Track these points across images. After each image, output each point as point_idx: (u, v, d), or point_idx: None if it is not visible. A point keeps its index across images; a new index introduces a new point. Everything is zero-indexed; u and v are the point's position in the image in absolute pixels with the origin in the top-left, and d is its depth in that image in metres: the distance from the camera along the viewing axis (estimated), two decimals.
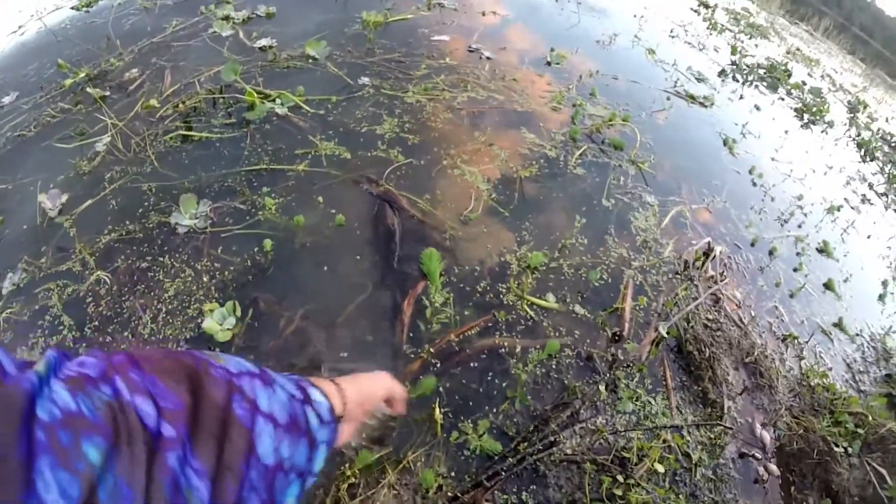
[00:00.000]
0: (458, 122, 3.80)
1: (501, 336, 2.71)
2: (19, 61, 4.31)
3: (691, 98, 5.35)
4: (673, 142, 4.54)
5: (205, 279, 2.70)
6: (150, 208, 2.99)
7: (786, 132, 5.96)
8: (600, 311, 2.96)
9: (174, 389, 0.67)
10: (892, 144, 7.89)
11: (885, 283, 4.60)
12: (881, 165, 6.92)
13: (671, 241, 3.51)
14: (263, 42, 4.26)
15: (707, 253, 3.54)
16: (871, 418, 2.96)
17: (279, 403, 0.80)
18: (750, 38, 8.72)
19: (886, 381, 3.66)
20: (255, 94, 3.56)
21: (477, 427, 2.36)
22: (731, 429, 2.74)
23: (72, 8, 4.90)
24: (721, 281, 3.41)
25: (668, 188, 3.97)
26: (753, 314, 3.41)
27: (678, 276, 3.32)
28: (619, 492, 2.32)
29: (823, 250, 4.41)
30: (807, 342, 3.48)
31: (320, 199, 3.08)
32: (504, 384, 2.54)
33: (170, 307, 2.60)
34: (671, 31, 7.03)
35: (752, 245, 3.93)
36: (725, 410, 2.79)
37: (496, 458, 2.31)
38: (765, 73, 7.26)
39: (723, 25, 8.46)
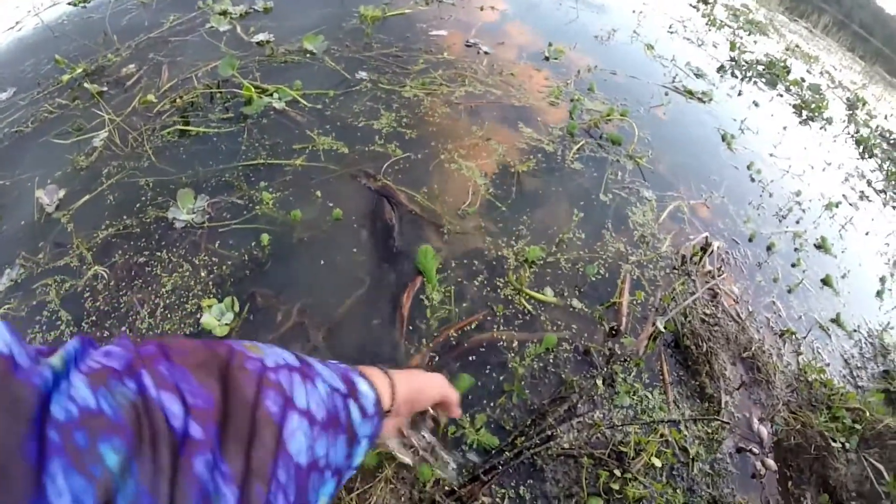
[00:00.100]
0: (456, 116, 3.80)
1: (499, 330, 2.71)
2: (16, 57, 4.30)
3: (690, 93, 5.35)
4: (671, 137, 4.54)
5: (202, 274, 2.69)
6: (147, 203, 2.98)
7: (784, 128, 5.96)
8: (598, 305, 2.96)
9: (205, 385, 0.63)
10: (891, 141, 7.89)
11: (882, 280, 4.61)
12: (879, 162, 6.92)
13: (669, 236, 3.51)
14: (261, 37, 4.24)
15: (705, 248, 3.54)
16: (868, 414, 2.97)
17: (317, 399, 0.76)
18: (749, 35, 8.73)
19: (884, 377, 3.66)
20: (253, 89, 3.55)
21: (474, 421, 2.36)
22: (728, 423, 2.74)
23: (69, 3, 4.88)
24: (718, 276, 3.41)
25: (665, 183, 3.97)
26: (751, 309, 3.41)
27: (675, 271, 3.32)
28: (616, 486, 2.32)
29: (821, 246, 4.41)
30: (804, 338, 3.48)
31: (318, 193, 3.08)
32: (501, 378, 2.54)
33: (167, 302, 2.59)
34: (670, 27, 7.04)
35: (750, 240, 3.93)
36: (723, 405, 2.79)
37: (493, 452, 2.31)
38: (764, 70, 7.26)
39: (722, 21, 8.46)
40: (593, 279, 3.07)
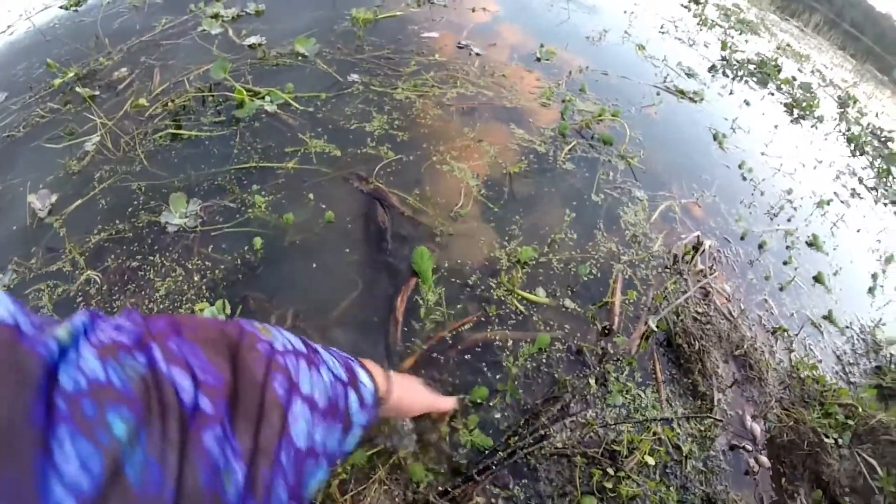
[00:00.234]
0: (448, 118, 3.80)
1: (492, 330, 2.71)
2: (8, 61, 4.30)
3: (681, 93, 5.36)
4: (663, 137, 4.55)
5: (195, 278, 2.70)
6: (139, 207, 2.98)
7: (776, 127, 5.98)
8: (590, 305, 2.97)
9: (215, 362, 0.65)
10: (882, 139, 7.92)
11: (874, 277, 4.63)
12: (871, 160, 6.95)
13: (660, 235, 3.53)
14: (253, 40, 4.25)
15: (696, 247, 3.55)
16: (861, 410, 2.98)
17: (321, 387, 0.79)
18: (740, 34, 8.75)
19: (876, 373, 3.68)
20: (245, 92, 3.55)
21: (467, 421, 2.37)
22: (721, 421, 2.75)
23: (60, 7, 4.88)
24: (710, 274, 3.42)
25: (657, 183, 3.98)
26: (743, 307, 3.43)
27: (667, 271, 3.33)
28: (609, 484, 2.33)
29: (813, 244, 4.43)
30: (797, 335, 3.49)
31: (310, 196, 3.08)
32: (494, 378, 2.55)
33: (161, 306, 2.59)
34: (661, 27, 7.05)
35: (742, 239, 3.95)
36: (715, 403, 2.81)
37: (487, 452, 2.32)
38: (755, 69, 7.28)
39: (713, 21, 8.48)
40: (585, 279, 3.08)
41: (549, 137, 3.93)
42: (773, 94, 6.96)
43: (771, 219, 4.40)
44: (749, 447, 2.77)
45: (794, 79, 7.73)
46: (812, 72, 9.30)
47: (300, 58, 4.09)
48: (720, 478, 2.60)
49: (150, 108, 3.56)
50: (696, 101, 5.39)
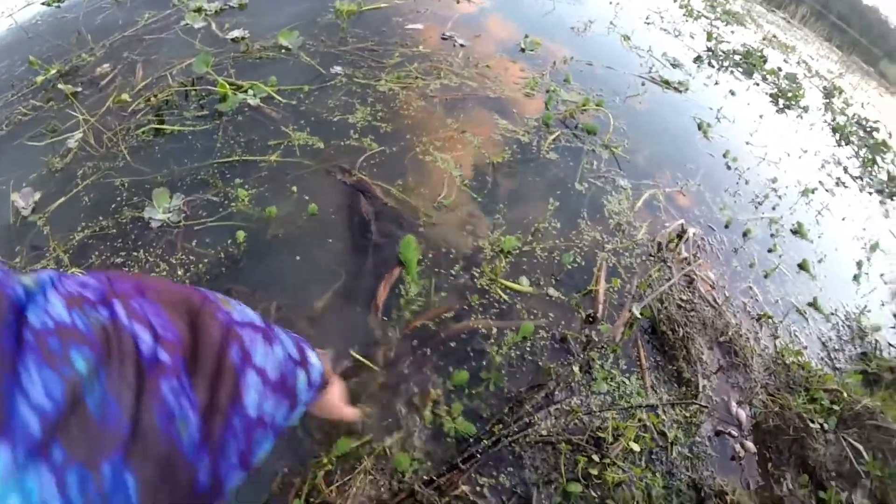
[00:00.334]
0: (431, 109, 3.80)
1: (476, 319, 2.72)
2: None
3: (666, 83, 5.38)
4: (647, 126, 4.57)
5: (179, 272, 2.69)
6: (123, 203, 2.97)
7: (761, 117, 6.02)
8: (574, 293, 2.98)
9: (175, 323, 0.68)
10: (868, 129, 7.97)
11: (859, 264, 4.67)
12: (856, 149, 7.01)
13: (644, 223, 3.54)
14: (236, 33, 4.22)
15: (680, 235, 3.57)
16: (846, 395, 3.01)
17: (274, 361, 0.81)
18: (726, 25, 8.77)
19: (862, 359, 3.71)
20: (228, 86, 3.54)
21: (451, 410, 2.37)
22: (706, 407, 2.77)
23: (42, 3, 4.84)
24: (694, 262, 3.44)
25: (641, 172, 4.00)
26: (727, 294, 3.45)
27: (652, 258, 3.35)
28: (594, 471, 2.35)
29: (798, 232, 4.46)
30: (781, 321, 3.52)
31: (293, 189, 3.08)
32: (478, 367, 2.56)
33: None
34: (647, 18, 7.06)
35: (727, 227, 3.97)
36: (700, 389, 2.82)
37: (471, 440, 2.32)
38: (740, 59, 7.31)
39: (699, 12, 8.49)
40: (569, 267, 3.09)
41: (532, 127, 3.93)
42: (758, 85, 6.98)
43: (755, 207, 4.43)
44: (735, 433, 2.79)
45: (780, 69, 7.76)
46: (798, 63, 9.34)
47: (283, 51, 4.08)
48: (706, 463, 2.61)
49: (133, 104, 3.54)
50: (681, 92, 5.41)
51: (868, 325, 3.99)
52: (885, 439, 2.80)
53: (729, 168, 4.70)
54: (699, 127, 4.97)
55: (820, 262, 4.30)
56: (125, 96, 3.57)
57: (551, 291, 2.94)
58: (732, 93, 6.20)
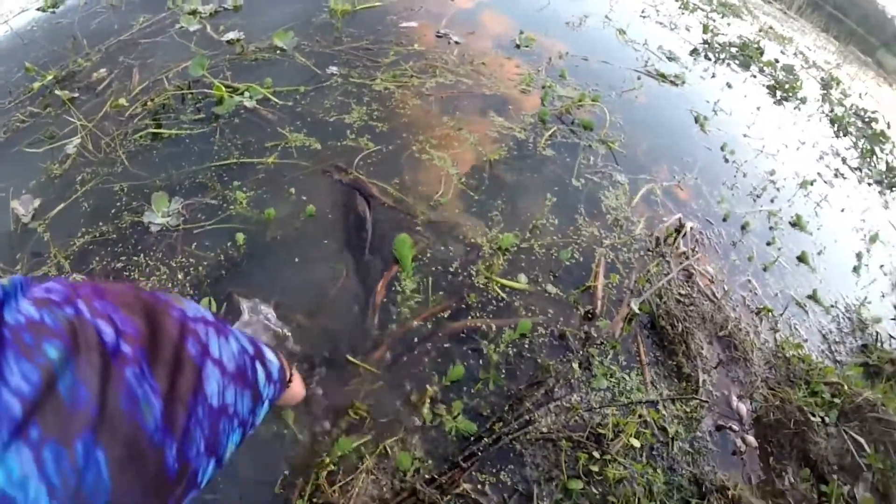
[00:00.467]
0: (427, 107, 3.80)
1: (474, 317, 2.73)
2: None
3: (662, 77, 5.36)
4: (643, 120, 4.56)
5: (179, 276, 2.70)
6: (122, 208, 2.97)
7: (758, 109, 6.00)
8: (572, 289, 2.99)
9: (132, 319, 0.74)
10: (866, 119, 7.95)
11: (859, 256, 4.66)
12: (854, 140, 6.97)
13: (642, 218, 3.55)
14: (231, 35, 4.22)
15: (678, 229, 3.57)
16: (847, 388, 3.01)
17: (229, 353, 0.88)
18: (722, 17, 8.74)
19: (862, 351, 3.71)
20: (224, 88, 3.53)
21: (451, 409, 2.38)
22: (706, 402, 2.77)
23: (38, 9, 4.83)
24: (693, 256, 3.44)
25: (638, 166, 4.00)
26: (726, 288, 3.45)
27: (650, 253, 3.35)
28: (595, 468, 2.35)
29: (797, 224, 4.45)
30: (781, 315, 3.52)
31: (291, 190, 3.08)
32: (477, 365, 2.57)
33: None
34: (642, 11, 7.03)
35: (725, 220, 3.97)
36: (700, 384, 2.83)
37: (472, 438, 2.33)
38: (737, 52, 7.28)
39: (695, 5, 8.46)
40: (567, 264, 3.09)
41: (529, 124, 3.93)
42: (755, 77, 6.96)
43: (754, 200, 4.43)
44: (736, 427, 2.79)
45: (777, 61, 7.74)
46: (795, 54, 9.30)
47: (278, 52, 4.08)
48: (707, 458, 2.62)
49: (130, 108, 3.54)
50: (677, 85, 5.39)
51: (868, 317, 3.99)
52: (887, 432, 2.81)
53: (726, 161, 4.69)
54: (696, 120, 4.97)
55: (819, 254, 4.30)
56: (122, 101, 3.58)
57: (550, 288, 2.94)
58: (729, 85, 6.18)
